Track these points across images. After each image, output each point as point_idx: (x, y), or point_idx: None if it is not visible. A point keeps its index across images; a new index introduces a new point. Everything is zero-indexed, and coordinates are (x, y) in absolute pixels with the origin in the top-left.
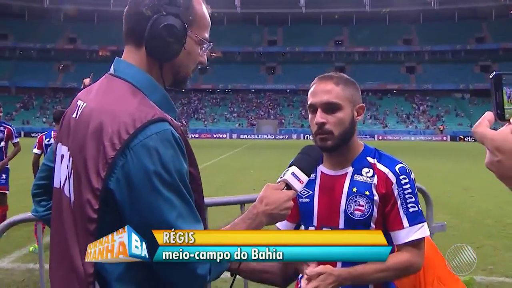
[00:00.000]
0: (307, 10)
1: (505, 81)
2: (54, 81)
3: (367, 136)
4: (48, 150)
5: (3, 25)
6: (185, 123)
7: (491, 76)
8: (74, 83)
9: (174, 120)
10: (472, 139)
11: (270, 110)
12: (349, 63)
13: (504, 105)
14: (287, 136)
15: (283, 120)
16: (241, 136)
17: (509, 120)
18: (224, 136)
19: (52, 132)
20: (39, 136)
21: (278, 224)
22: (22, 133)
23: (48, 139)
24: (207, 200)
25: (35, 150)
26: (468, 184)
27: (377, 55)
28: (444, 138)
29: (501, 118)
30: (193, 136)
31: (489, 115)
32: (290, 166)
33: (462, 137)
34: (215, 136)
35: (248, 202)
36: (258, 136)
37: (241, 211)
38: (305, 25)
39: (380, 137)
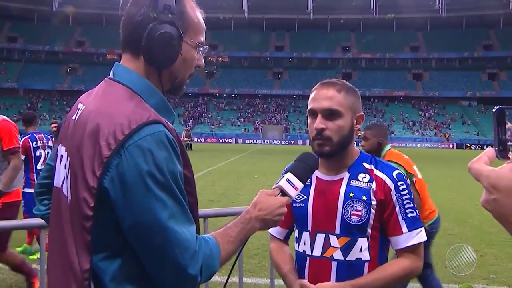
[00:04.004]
0: (314, 16)
1: (508, 116)
2: (61, 83)
3: None
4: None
5: (12, 28)
6: (188, 128)
7: (493, 111)
8: (81, 86)
9: (168, 123)
10: (478, 147)
11: (276, 115)
12: (356, 69)
13: (506, 141)
14: (292, 142)
15: (288, 126)
16: (247, 141)
17: (510, 158)
18: (230, 140)
19: (36, 135)
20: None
21: (270, 230)
22: None
23: (35, 142)
24: (203, 211)
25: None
26: (473, 192)
27: (384, 62)
28: (450, 146)
29: (503, 155)
30: (199, 140)
31: (490, 152)
32: (285, 173)
33: (468, 144)
34: (221, 140)
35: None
36: (263, 141)
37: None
38: (312, 31)
39: None
